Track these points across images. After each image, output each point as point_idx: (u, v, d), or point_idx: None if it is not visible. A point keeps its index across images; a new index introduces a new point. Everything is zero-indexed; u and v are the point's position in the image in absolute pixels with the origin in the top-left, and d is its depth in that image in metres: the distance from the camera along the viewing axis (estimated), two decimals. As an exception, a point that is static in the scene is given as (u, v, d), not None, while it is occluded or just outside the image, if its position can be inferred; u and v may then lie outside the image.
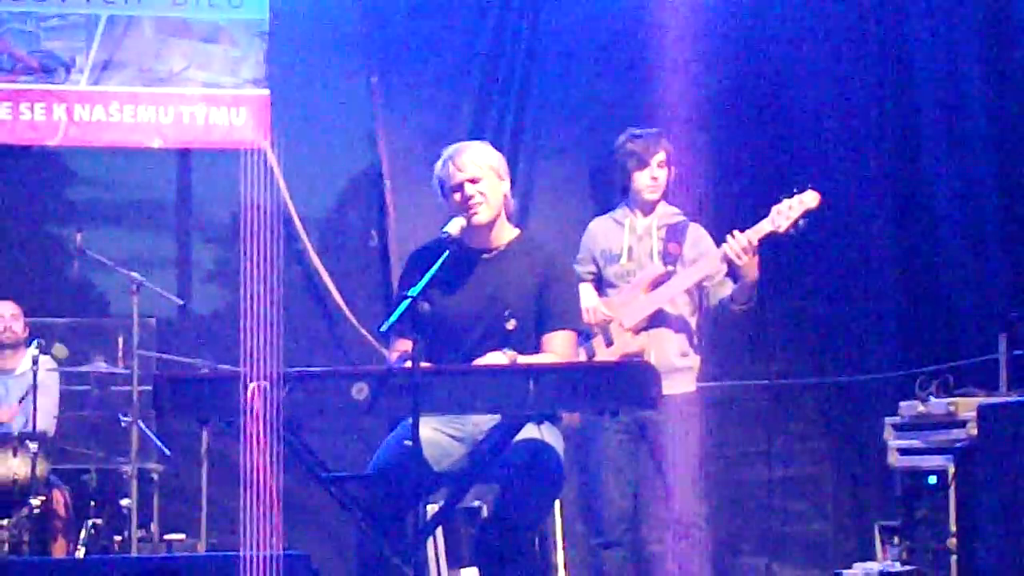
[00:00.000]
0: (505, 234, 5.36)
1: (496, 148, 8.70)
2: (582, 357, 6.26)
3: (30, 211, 8.84)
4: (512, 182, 8.60)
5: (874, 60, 8.77)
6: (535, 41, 8.97)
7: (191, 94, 8.76)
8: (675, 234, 6.39)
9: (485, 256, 5.32)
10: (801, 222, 6.13)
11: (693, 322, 6.41)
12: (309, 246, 8.77)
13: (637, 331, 6.29)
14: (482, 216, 5.26)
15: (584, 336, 6.33)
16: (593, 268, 6.52)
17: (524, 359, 5.08)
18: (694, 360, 6.41)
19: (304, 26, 8.92)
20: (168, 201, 9.04)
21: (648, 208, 6.47)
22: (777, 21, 8.84)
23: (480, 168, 5.29)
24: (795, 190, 6.16)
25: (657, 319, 6.31)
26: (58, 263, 8.66)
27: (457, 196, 5.27)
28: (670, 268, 6.31)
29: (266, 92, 8.76)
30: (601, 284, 6.50)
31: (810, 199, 6.15)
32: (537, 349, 5.22)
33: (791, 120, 8.80)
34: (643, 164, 6.44)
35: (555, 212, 8.70)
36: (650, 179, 6.43)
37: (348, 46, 8.95)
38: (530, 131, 8.92)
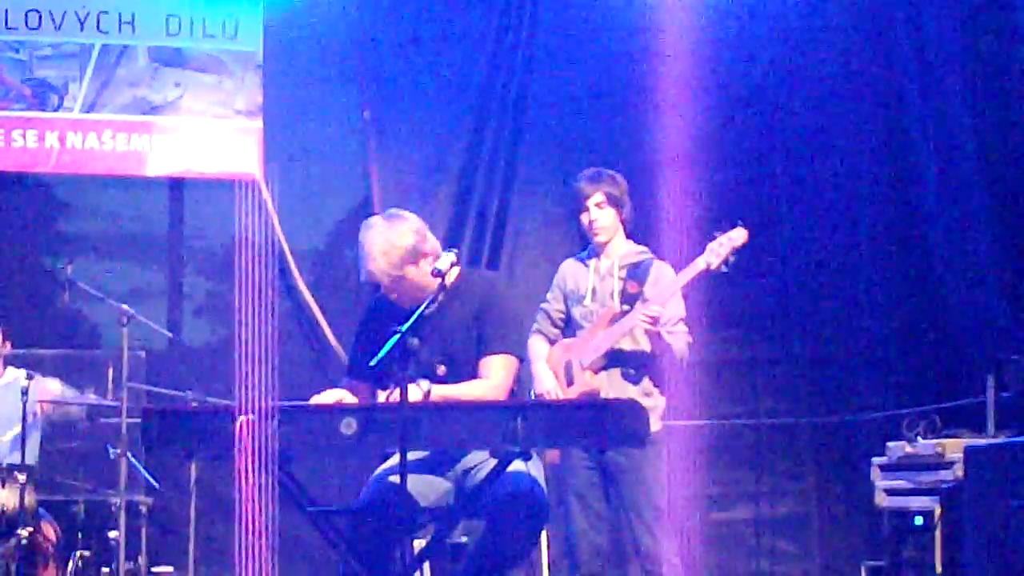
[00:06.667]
0: (436, 284, 5.23)
1: (488, 182, 8.90)
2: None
3: (21, 242, 8.83)
4: (504, 218, 8.83)
5: (866, 100, 8.77)
6: (528, 77, 9.00)
7: (184, 123, 8.78)
8: (636, 273, 6.36)
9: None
10: (731, 259, 6.16)
11: (657, 362, 6.39)
12: (300, 280, 8.77)
13: (596, 370, 6.28)
14: (403, 301, 5.25)
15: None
16: (563, 307, 6.53)
17: (442, 388, 5.07)
18: (658, 400, 6.36)
19: (298, 58, 8.94)
20: (160, 233, 9.03)
21: (598, 249, 6.47)
22: (769, 64, 8.85)
23: (384, 275, 5.23)
24: (728, 227, 6.20)
25: (618, 359, 6.30)
26: (48, 294, 8.62)
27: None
28: (626, 308, 6.29)
29: (259, 123, 8.78)
30: (570, 324, 6.51)
31: (738, 236, 6.18)
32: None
33: (783, 161, 8.81)
34: (581, 207, 6.45)
35: (544, 249, 8.72)
36: (587, 222, 6.44)
37: (342, 79, 8.97)
38: (522, 166, 8.94)
